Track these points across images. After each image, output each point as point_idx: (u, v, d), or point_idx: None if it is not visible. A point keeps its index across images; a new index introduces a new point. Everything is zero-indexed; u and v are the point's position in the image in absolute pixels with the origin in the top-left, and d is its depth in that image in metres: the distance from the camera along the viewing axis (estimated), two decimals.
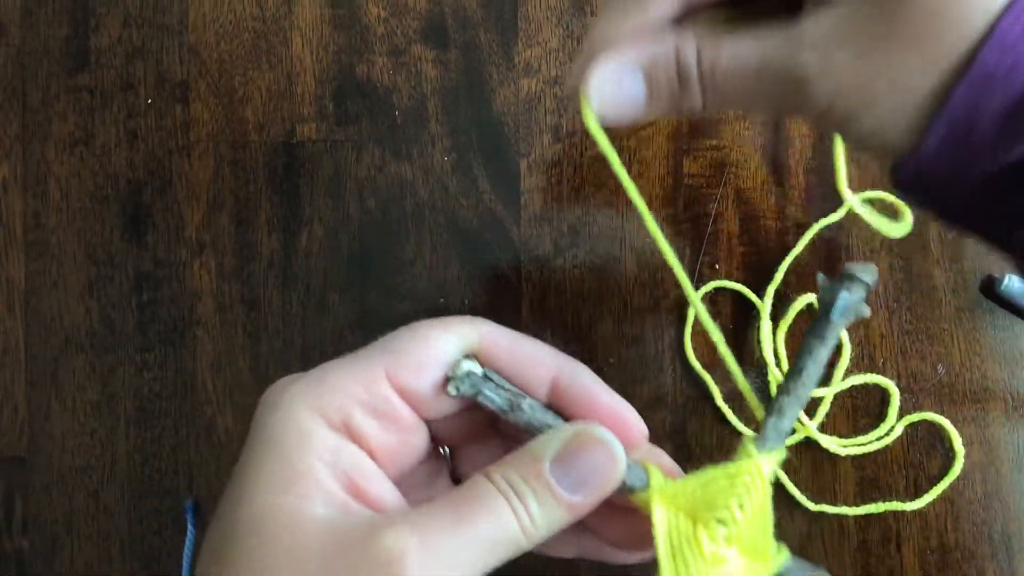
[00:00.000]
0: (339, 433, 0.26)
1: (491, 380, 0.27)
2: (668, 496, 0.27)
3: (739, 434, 0.42)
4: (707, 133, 0.42)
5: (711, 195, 0.43)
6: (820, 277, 0.28)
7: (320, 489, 0.25)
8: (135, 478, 0.43)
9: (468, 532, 0.24)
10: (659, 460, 0.28)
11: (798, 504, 0.42)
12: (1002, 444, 0.41)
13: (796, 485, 0.42)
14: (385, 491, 0.27)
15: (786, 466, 0.42)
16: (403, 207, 0.43)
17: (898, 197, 0.40)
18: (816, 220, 0.42)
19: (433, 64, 0.43)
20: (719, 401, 0.42)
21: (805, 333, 0.27)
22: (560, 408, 0.28)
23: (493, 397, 0.27)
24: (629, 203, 0.42)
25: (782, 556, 0.28)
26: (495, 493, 0.25)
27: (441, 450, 0.31)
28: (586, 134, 0.42)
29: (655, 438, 0.42)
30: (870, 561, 0.42)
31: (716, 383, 0.42)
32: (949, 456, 0.41)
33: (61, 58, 0.43)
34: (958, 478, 0.41)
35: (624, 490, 0.27)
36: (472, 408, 0.29)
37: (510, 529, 0.25)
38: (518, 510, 0.25)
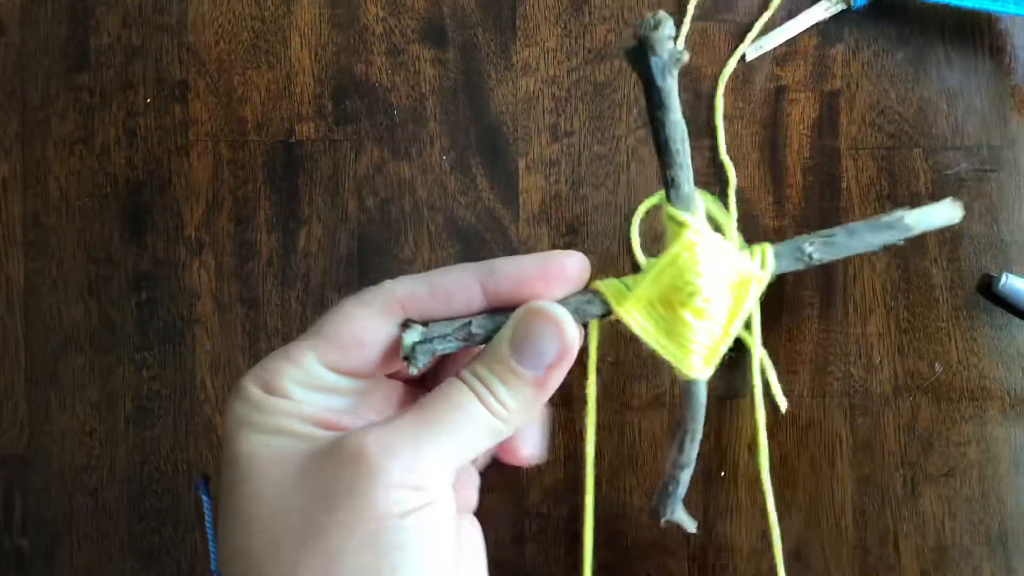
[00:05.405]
0: (292, 397, 0.27)
1: (436, 333, 0.28)
2: (635, 300, 0.28)
3: (737, 436, 0.42)
4: (706, 132, 0.42)
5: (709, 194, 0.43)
6: (622, 52, 0.26)
7: (294, 433, 0.26)
8: (135, 477, 0.43)
9: (434, 426, 0.26)
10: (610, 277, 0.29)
11: (794, 500, 0.42)
12: (999, 442, 0.41)
13: (793, 483, 0.42)
14: (361, 421, 0.28)
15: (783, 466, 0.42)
16: (402, 206, 0.43)
17: None
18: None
19: (432, 63, 0.43)
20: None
21: (649, 114, 0.27)
22: (503, 304, 0.29)
23: (447, 345, 0.28)
24: (628, 202, 0.42)
25: (768, 259, 0.28)
26: (462, 388, 0.27)
27: None
28: (585, 133, 0.42)
29: (655, 438, 0.42)
30: (868, 560, 0.42)
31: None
32: (946, 454, 0.41)
33: (61, 57, 0.43)
34: (956, 477, 0.41)
35: (592, 317, 0.29)
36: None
37: (481, 417, 0.27)
38: (485, 398, 0.27)
